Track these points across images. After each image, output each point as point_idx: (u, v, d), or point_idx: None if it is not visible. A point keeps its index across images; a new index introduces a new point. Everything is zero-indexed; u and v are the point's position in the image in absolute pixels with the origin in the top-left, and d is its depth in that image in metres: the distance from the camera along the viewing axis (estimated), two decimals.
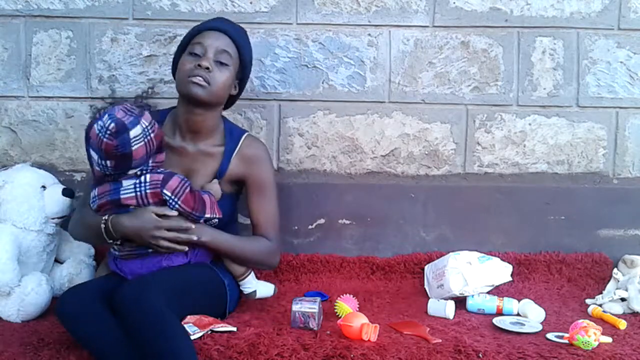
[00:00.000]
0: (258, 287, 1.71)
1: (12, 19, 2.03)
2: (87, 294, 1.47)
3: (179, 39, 2.02)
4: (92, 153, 1.51)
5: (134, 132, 1.48)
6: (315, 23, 2.05)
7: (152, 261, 1.56)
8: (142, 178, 1.53)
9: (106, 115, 1.48)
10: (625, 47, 2.07)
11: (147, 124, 1.51)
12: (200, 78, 1.60)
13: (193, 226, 1.55)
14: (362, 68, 2.07)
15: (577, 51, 2.07)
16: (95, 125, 1.48)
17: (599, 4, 2.06)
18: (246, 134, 1.78)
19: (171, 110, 1.76)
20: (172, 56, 2.05)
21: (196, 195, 1.57)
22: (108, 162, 1.49)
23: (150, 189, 1.52)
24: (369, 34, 2.06)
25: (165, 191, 1.52)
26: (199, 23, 1.74)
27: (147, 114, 1.53)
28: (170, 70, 2.03)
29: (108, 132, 1.46)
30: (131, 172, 1.53)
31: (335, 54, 2.06)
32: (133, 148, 1.48)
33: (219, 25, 1.70)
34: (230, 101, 1.78)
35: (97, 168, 1.52)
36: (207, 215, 1.59)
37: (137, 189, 1.52)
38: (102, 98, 2.02)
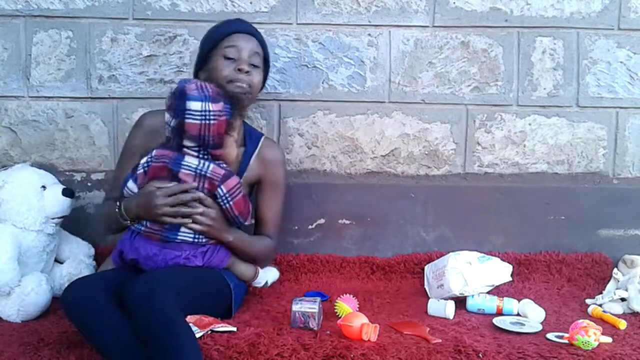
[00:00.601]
0: (267, 277, 1.78)
1: (12, 19, 2.03)
2: (93, 285, 1.47)
3: (179, 39, 2.04)
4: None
5: (191, 105, 1.50)
6: (315, 23, 2.05)
7: (170, 254, 1.55)
8: (205, 164, 1.54)
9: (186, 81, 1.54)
10: (625, 47, 2.07)
11: (210, 109, 1.51)
12: (244, 83, 1.69)
13: (199, 195, 1.55)
14: (362, 68, 2.07)
15: (577, 51, 2.07)
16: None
17: (599, 4, 2.06)
18: (264, 136, 1.86)
19: None
20: (172, 56, 2.06)
21: (247, 201, 1.61)
22: (172, 121, 1.53)
23: (210, 176, 1.54)
24: (369, 34, 2.06)
25: (222, 187, 1.55)
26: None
27: (221, 104, 1.53)
28: (170, 70, 2.04)
29: (172, 92, 1.53)
30: (187, 143, 1.53)
31: (335, 54, 2.06)
32: (186, 120, 1.50)
33: (247, 28, 1.77)
34: None
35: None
36: (246, 223, 1.65)
37: (198, 171, 1.54)
38: (101, 98, 2.04)
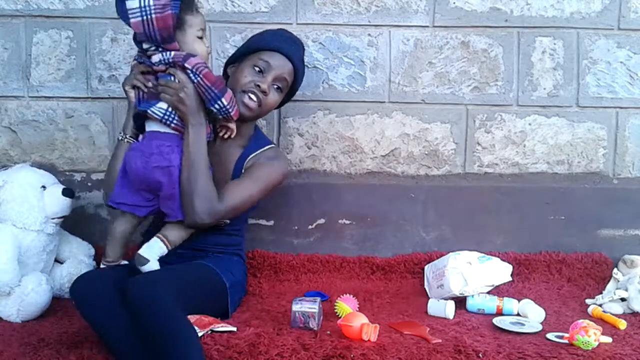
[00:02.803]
0: (152, 259, 1.58)
1: (12, 19, 2.03)
2: (102, 278, 1.51)
3: None
4: (131, 2, 1.56)
5: (129, 4, 1.52)
6: (315, 23, 2.05)
7: (149, 148, 1.58)
8: (167, 53, 1.56)
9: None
10: (625, 47, 2.07)
11: (149, 3, 1.52)
12: (254, 100, 1.68)
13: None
14: (362, 68, 2.07)
15: (577, 51, 2.07)
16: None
17: (599, 4, 2.06)
18: (272, 145, 1.81)
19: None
20: None
21: (218, 77, 1.61)
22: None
23: (174, 60, 1.56)
24: (369, 34, 2.06)
25: (186, 64, 1.55)
26: (269, 29, 1.82)
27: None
28: None
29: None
30: (145, 46, 1.57)
31: (335, 54, 2.06)
32: (130, 19, 1.53)
33: (290, 51, 1.73)
34: None
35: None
36: (224, 102, 1.58)
37: (164, 61, 1.56)
38: (101, 98, 2.04)
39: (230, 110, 1.60)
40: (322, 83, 2.07)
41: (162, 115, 1.58)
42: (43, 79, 2.05)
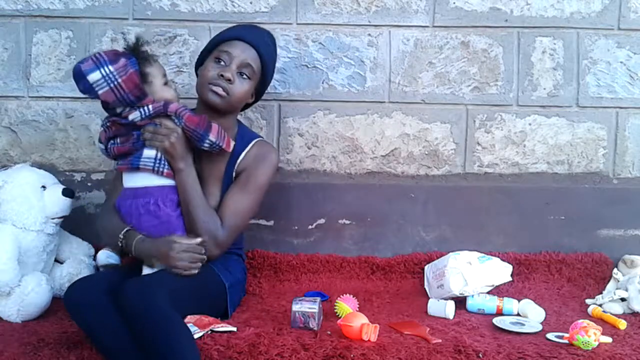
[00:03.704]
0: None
1: (12, 19, 2.03)
2: (95, 285, 1.49)
3: (179, 39, 2.04)
4: (92, 75, 1.55)
5: (92, 77, 1.52)
6: (315, 23, 2.05)
7: (141, 201, 1.59)
8: (145, 108, 1.57)
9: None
10: (625, 47, 2.07)
11: (110, 70, 1.52)
12: (220, 88, 1.64)
13: (203, 253, 1.57)
14: (362, 68, 2.07)
15: (577, 51, 2.07)
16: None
17: (599, 4, 2.06)
18: (258, 139, 1.77)
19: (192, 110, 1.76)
20: (172, 56, 2.06)
21: (201, 117, 1.61)
22: (110, 67, 1.54)
23: (155, 112, 1.57)
24: (369, 34, 2.06)
25: (169, 112, 1.58)
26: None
27: (121, 60, 1.54)
28: (170, 70, 2.04)
29: (73, 77, 1.55)
30: (118, 110, 1.57)
31: (335, 54, 2.06)
32: (99, 92, 1.53)
33: (249, 37, 1.70)
34: (245, 106, 1.81)
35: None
36: (213, 139, 1.59)
37: (145, 116, 1.57)
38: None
39: (220, 144, 1.61)
40: (322, 83, 2.07)
41: (152, 164, 1.58)
42: (43, 79, 2.05)
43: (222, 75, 1.63)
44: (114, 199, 1.65)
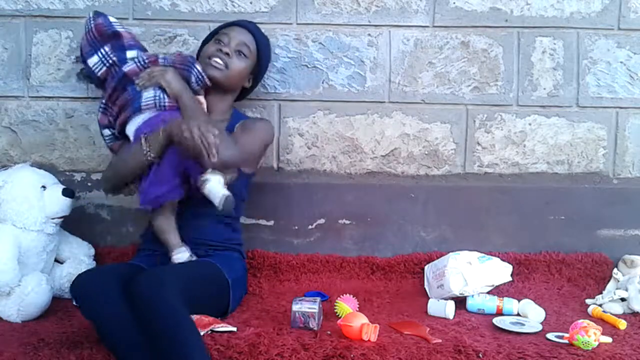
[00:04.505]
0: (224, 189, 1.60)
1: (12, 19, 2.03)
2: (105, 276, 1.50)
3: (179, 39, 2.04)
4: (91, 59, 1.72)
5: (112, 18, 1.75)
6: (315, 23, 2.05)
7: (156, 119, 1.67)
8: (139, 58, 1.72)
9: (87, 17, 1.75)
10: (625, 47, 2.07)
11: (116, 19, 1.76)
12: (219, 60, 1.76)
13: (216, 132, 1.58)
14: (362, 68, 2.07)
15: (577, 51, 2.07)
16: (82, 34, 1.75)
17: (599, 4, 2.06)
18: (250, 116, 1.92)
19: None
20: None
21: (182, 54, 1.79)
22: (106, 47, 1.71)
23: (147, 60, 1.72)
24: (369, 34, 2.06)
25: (159, 57, 1.74)
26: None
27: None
28: None
29: (92, 19, 1.73)
30: (129, 53, 1.72)
31: (335, 54, 2.06)
32: (116, 28, 1.74)
33: (247, 24, 1.86)
34: (242, 94, 1.92)
35: (101, 66, 1.71)
36: (199, 67, 1.73)
37: (138, 61, 1.71)
38: (101, 98, 2.03)
39: (204, 75, 1.74)
40: (322, 83, 2.07)
41: (153, 101, 1.67)
42: (43, 79, 2.05)
43: (220, 50, 1.77)
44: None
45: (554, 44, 2.07)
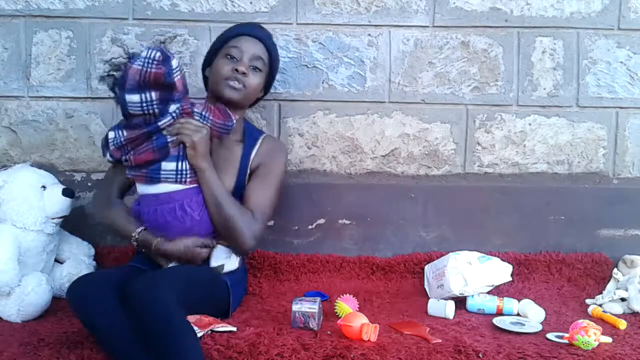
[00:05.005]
0: (225, 262, 1.69)
1: (12, 19, 2.03)
2: (100, 281, 1.49)
3: (179, 39, 2.04)
4: (132, 96, 1.55)
5: (174, 63, 1.56)
6: (315, 23, 2.05)
7: (166, 207, 1.61)
8: (174, 106, 1.60)
9: (146, 51, 1.54)
10: (625, 47, 2.07)
11: (178, 61, 1.59)
12: (237, 82, 1.70)
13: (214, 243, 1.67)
14: (362, 68, 2.07)
15: (577, 51, 2.07)
16: (135, 64, 1.54)
17: (599, 4, 2.06)
18: (264, 135, 1.86)
19: None
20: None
21: (220, 109, 1.67)
22: (153, 94, 1.55)
23: (182, 108, 1.61)
24: (369, 34, 2.06)
25: (195, 110, 1.63)
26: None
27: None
28: None
29: (155, 61, 1.53)
30: (172, 107, 1.58)
31: (335, 54, 2.06)
32: (175, 78, 1.56)
33: (256, 32, 1.79)
34: (255, 101, 1.88)
35: (138, 109, 1.56)
36: (231, 124, 1.67)
37: (173, 112, 1.59)
38: (101, 98, 2.04)
39: (233, 124, 1.68)
40: (322, 83, 2.07)
41: (174, 176, 1.60)
42: (43, 79, 2.05)
43: (236, 70, 1.70)
44: (115, 191, 1.71)
45: (554, 44, 2.07)
